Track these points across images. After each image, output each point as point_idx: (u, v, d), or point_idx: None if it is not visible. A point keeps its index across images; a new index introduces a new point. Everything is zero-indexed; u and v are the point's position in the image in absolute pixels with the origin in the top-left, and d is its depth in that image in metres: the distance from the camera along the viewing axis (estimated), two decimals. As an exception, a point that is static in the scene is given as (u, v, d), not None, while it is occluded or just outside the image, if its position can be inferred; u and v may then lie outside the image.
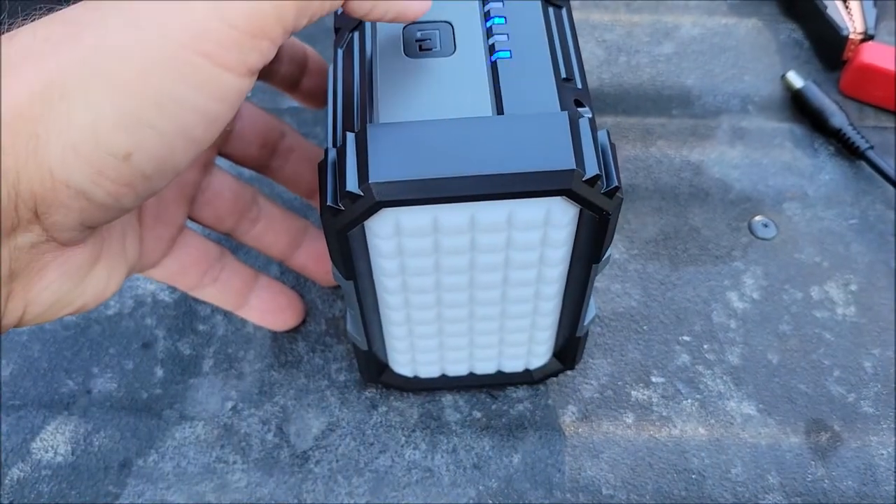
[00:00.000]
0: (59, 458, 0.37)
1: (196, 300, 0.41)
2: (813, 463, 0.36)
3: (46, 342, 0.40)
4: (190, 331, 0.40)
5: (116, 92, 0.21)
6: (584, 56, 0.50)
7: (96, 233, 0.26)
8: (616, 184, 0.25)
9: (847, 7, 0.49)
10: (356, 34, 0.29)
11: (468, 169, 0.24)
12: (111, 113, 0.21)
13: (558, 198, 0.25)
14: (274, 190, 0.43)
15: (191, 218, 0.35)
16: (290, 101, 0.48)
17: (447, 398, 0.38)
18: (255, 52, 0.23)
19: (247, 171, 0.41)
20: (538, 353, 0.36)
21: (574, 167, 0.24)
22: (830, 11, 0.49)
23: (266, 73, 0.36)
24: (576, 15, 0.51)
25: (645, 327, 0.40)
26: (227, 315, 0.41)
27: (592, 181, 0.24)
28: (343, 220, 0.25)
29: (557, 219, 0.26)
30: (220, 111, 0.23)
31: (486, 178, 0.24)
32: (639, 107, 0.48)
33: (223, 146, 0.35)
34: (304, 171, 0.37)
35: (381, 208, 0.24)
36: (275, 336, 0.40)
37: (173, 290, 0.41)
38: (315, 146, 0.38)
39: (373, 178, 0.24)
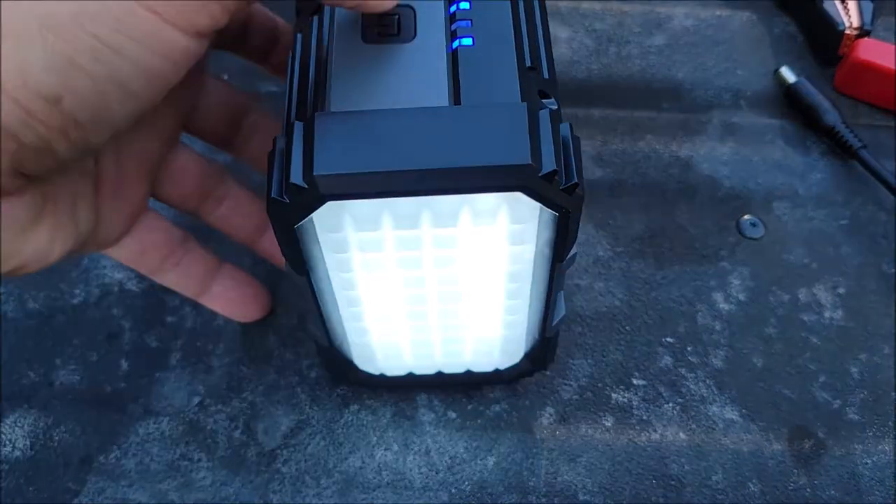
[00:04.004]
0: (18, 453, 0.36)
1: (164, 290, 0.40)
2: (795, 471, 0.35)
3: (8, 332, 0.39)
4: (157, 322, 0.39)
5: (49, 32, 0.21)
6: (573, 46, 0.49)
7: (37, 187, 0.25)
8: (576, 180, 0.23)
9: (843, 1, 0.47)
10: (316, 18, 0.27)
11: (419, 162, 0.22)
12: (42, 54, 0.21)
13: (516, 193, 0.23)
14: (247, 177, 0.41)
15: (155, 197, 0.34)
16: (268, 86, 0.47)
17: (422, 397, 0.37)
18: (203, 14, 0.22)
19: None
20: (507, 353, 0.34)
21: (530, 161, 0.22)
22: (826, 6, 0.47)
23: (235, 45, 0.35)
24: (566, 2, 0.50)
25: (627, 328, 0.39)
26: (197, 307, 0.39)
27: (549, 177, 0.23)
28: (288, 214, 0.24)
29: (515, 215, 0.25)
30: (161, 68, 0.22)
31: (438, 172, 0.22)
32: (628, 100, 0.47)
33: (188, 120, 0.34)
34: (268, 149, 0.36)
35: (326, 201, 0.23)
36: (245, 329, 0.39)
37: (141, 279, 0.40)
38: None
39: (318, 170, 0.22)
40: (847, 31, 0.46)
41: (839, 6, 0.47)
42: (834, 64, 0.48)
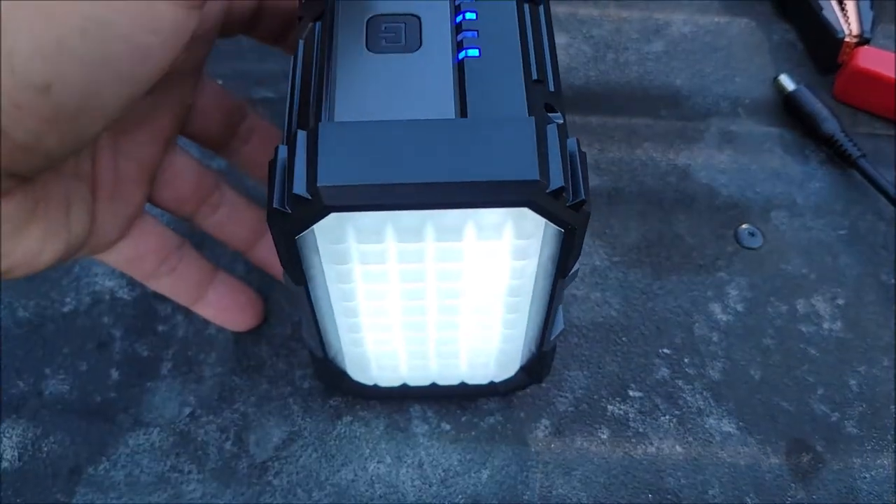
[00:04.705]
0: (6, 464, 0.35)
1: (156, 299, 0.39)
2: (793, 485, 0.35)
3: (-3, 340, 0.38)
4: (149, 331, 0.39)
5: (37, 16, 0.20)
6: (570, 52, 0.48)
7: (28, 189, 0.25)
8: (583, 197, 0.23)
9: (843, 9, 0.47)
10: (319, 24, 0.27)
11: (425, 175, 0.22)
12: (29, 39, 0.20)
13: (521, 209, 0.23)
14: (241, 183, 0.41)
15: (151, 201, 0.33)
16: (262, 92, 0.46)
17: (415, 408, 0.37)
18: None
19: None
20: (503, 366, 0.34)
21: (538, 178, 0.22)
22: (826, 13, 0.47)
23: (250, 28, 0.34)
24: (563, 9, 0.50)
25: (624, 338, 0.39)
26: (188, 316, 0.39)
27: (557, 193, 0.22)
28: (290, 225, 0.23)
29: (520, 230, 0.25)
30: (151, 45, 0.22)
31: (444, 185, 0.22)
32: (625, 107, 0.47)
33: (184, 123, 0.34)
34: (264, 154, 0.36)
35: (329, 213, 0.23)
36: (237, 339, 0.38)
37: (132, 287, 0.40)
38: (277, 129, 0.37)
39: (322, 181, 0.22)
40: (847, 39, 0.46)
41: (839, 14, 0.47)
42: (833, 72, 0.47)
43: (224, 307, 0.36)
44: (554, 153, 0.23)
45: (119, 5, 0.21)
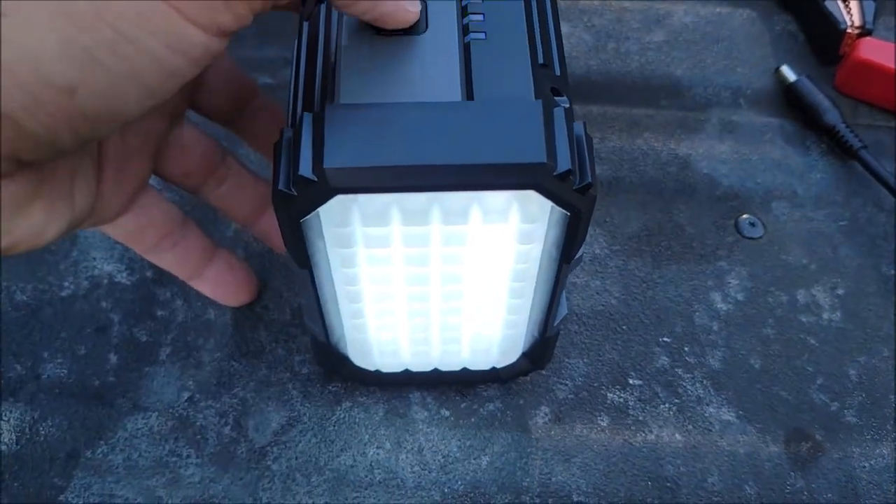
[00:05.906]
0: (3, 447, 0.35)
1: (155, 283, 0.39)
2: (792, 474, 0.35)
3: (-5, 323, 0.38)
4: (147, 316, 0.38)
5: (67, 20, 0.20)
6: (571, 41, 0.48)
7: (33, 169, 0.24)
8: (590, 180, 0.23)
9: (845, 0, 0.47)
10: (323, 6, 0.27)
11: (431, 158, 0.22)
12: (57, 40, 0.20)
13: (528, 192, 0.23)
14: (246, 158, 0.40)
15: (157, 173, 0.33)
16: (265, 78, 0.46)
17: (415, 395, 0.37)
18: (228, 14, 0.21)
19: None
20: (506, 352, 0.34)
21: (545, 161, 0.22)
22: (828, 4, 0.47)
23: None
24: (564, -2, 0.50)
25: (624, 327, 0.39)
26: (188, 301, 0.39)
27: (564, 176, 0.22)
28: (295, 207, 0.23)
29: (526, 214, 0.24)
30: (180, 65, 0.22)
31: (450, 168, 0.22)
32: (626, 96, 0.47)
33: (193, 97, 0.33)
34: (272, 133, 0.36)
35: (335, 195, 0.22)
36: (236, 324, 0.38)
37: (131, 272, 0.39)
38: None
39: (328, 163, 0.22)
40: (848, 30, 0.46)
41: (841, 5, 0.47)
42: (835, 63, 0.47)
43: (219, 283, 0.36)
44: (561, 136, 0.23)
45: (151, 26, 0.21)
